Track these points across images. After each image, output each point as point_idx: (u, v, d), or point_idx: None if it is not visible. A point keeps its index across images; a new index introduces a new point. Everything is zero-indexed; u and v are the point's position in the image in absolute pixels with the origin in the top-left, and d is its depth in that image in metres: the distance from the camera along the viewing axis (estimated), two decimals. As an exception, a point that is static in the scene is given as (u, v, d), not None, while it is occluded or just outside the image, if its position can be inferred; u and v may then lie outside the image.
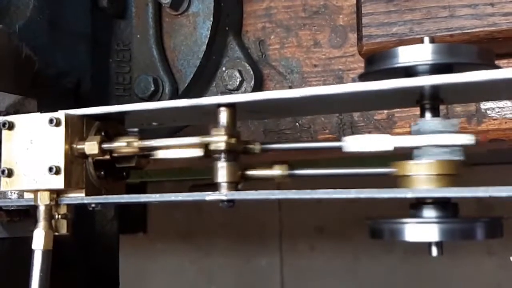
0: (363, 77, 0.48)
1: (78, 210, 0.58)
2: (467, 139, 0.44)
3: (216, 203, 0.48)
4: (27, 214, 0.59)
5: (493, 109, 0.68)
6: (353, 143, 0.47)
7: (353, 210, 1.32)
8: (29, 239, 0.52)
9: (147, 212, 2.06)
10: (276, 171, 0.49)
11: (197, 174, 1.49)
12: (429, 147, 0.44)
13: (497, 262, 1.74)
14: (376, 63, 0.47)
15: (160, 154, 0.50)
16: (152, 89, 0.72)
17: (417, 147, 0.45)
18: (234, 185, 0.48)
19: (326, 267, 1.88)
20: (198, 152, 0.49)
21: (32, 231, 0.52)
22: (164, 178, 1.70)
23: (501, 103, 0.68)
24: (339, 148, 0.47)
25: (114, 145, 0.52)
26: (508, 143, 0.70)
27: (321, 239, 1.89)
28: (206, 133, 0.49)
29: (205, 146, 0.48)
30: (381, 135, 0.46)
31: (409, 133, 0.46)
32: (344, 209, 1.68)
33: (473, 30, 0.62)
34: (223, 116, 0.49)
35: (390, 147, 0.45)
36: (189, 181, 1.68)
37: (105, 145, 0.52)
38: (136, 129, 0.55)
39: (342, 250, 1.86)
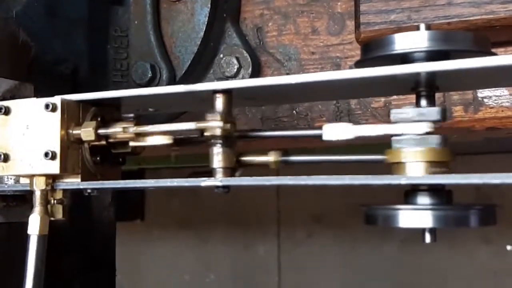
0: (359, 64, 0.48)
1: (74, 196, 0.58)
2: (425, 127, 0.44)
3: (213, 190, 0.48)
4: (23, 199, 0.59)
5: (490, 97, 0.68)
6: (329, 132, 0.46)
7: (351, 198, 1.32)
8: (25, 224, 0.52)
9: (145, 199, 2.07)
10: (270, 157, 0.49)
11: (196, 161, 1.49)
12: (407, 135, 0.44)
13: (493, 250, 1.74)
14: (372, 50, 0.47)
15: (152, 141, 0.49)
16: (149, 75, 0.72)
17: (395, 135, 0.45)
18: (229, 170, 0.48)
19: (323, 255, 1.89)
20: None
21: (28, 216, 0.53)
22: (162, 165, 1.70)
23: (498, 92, 0.68)
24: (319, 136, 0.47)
25: (110, 130, 0.52)
26: (505, 131, 0.70)
27: (318, 227, 1.90)
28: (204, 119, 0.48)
29: (201, 131, 0.49)
30: (344, 123, 0.46)
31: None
32: (342, 197, 1.68)
33: (471, 18, 0.62)
34: (219, 102, 0.49)
35: (351, 136, 0.45)
36: (187, 168, 1.68)
37: (101, 131, 0.52)
38: (131, 115, 0.55)
39: (340, 238, 1.86)
